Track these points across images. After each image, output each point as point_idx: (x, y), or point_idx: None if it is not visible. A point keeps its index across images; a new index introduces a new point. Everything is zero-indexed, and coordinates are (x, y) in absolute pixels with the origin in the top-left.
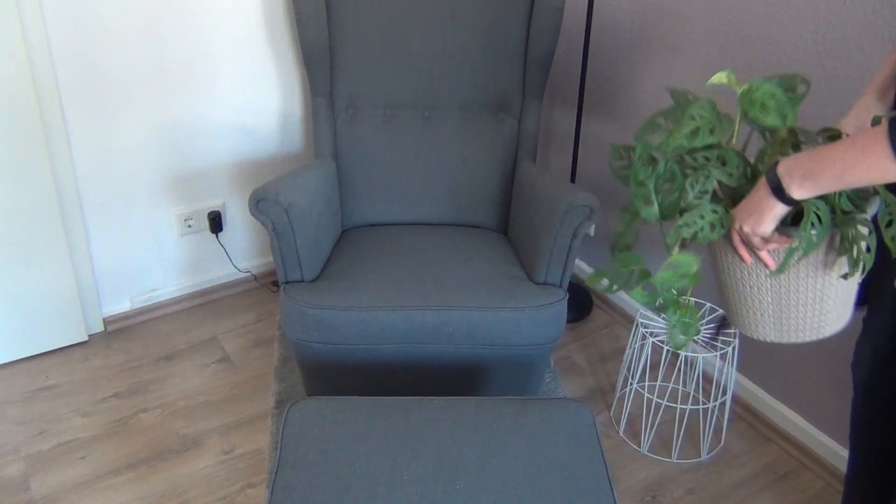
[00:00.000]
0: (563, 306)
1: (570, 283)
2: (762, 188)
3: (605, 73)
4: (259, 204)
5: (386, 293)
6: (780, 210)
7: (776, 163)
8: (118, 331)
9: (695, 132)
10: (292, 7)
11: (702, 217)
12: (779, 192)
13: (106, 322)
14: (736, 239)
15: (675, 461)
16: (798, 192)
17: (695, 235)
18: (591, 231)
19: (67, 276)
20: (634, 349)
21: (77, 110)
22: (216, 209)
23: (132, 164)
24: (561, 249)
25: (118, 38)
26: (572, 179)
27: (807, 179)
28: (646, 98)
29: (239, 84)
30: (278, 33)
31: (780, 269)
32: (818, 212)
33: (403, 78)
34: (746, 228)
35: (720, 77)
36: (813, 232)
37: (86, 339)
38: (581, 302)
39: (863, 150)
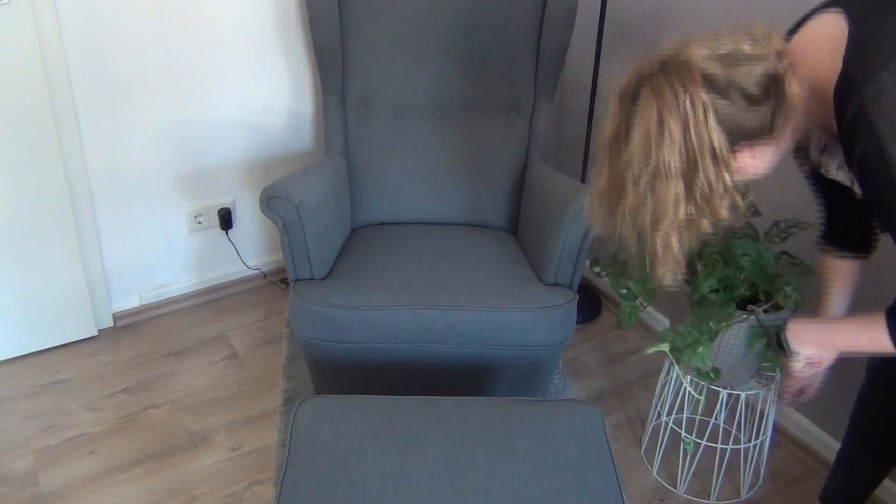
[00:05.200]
0: (572, 308)
1: (580, 284)
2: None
3: (617, 73)
4: (270, 202)
5: (395, 292)
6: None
7: (784, 327)
8: (127, 326)
9: None
10: (304, 5)
11: None
12: (787, 352)
13: (115, 318)
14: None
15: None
16: (807, 353)
17: None
18: None
19: (78, 272)
20: (671, 381)
21: (89, 107)
22: (226, 206)
23: (143, 161)
24: (571, 250)
25: (130, 36)
26: (583, 180)
27: (817, 347)
28: None
29: (250, 82)
30: (290, 31)
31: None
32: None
33: (415, 77)
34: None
35: None
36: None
37: (95, 334)
38: (590, 303)
39: (870, 341)
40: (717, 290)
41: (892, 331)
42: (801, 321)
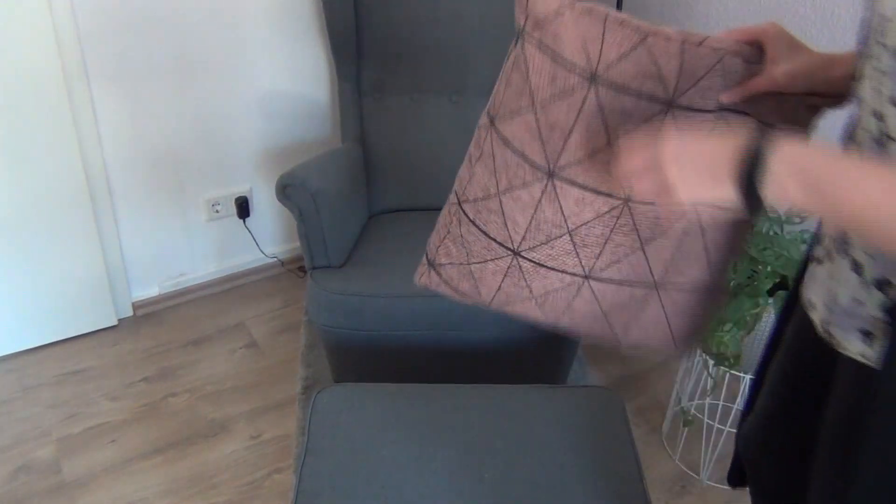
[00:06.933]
0: None
1: None
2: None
3: None
4: (286, 190)
5: (412, 280)
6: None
7: (764, 140)
8: (147, 315)
9: None
10: None
11: None
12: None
13: (135, 307)
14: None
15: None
16: (780, 191)
17: None
18: None
19: (97, 261)
20: (692, 366)
21: (106, 96)
22: (243, 194)
23: (160, 150)
24: None
25: (146, 23)
26: None
27: (802, 186)
28: None
29: (266, 69)
30: (305, 17)
31: None
32: None
33: (431, 62)
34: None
35: None
36: None
37: (115, 323)
38: None
39: None
40: (746, 285)
41: None
42: (799, 144)
